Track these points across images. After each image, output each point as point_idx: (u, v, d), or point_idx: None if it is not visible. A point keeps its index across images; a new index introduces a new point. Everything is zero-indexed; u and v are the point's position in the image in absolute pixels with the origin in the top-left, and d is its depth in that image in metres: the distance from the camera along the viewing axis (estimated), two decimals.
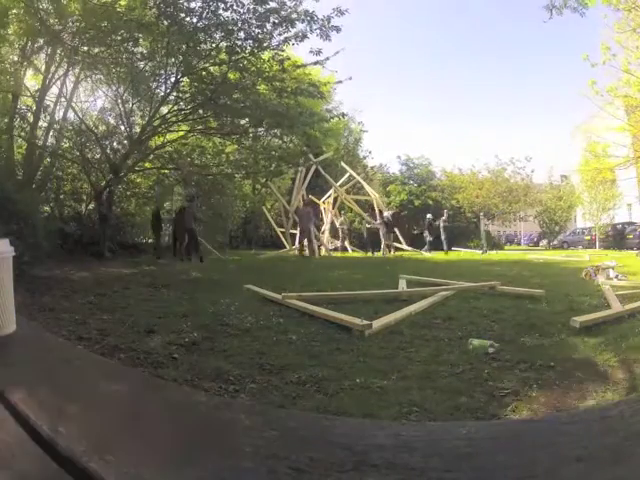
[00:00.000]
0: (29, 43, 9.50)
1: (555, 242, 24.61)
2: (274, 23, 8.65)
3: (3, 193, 4.84)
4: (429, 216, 16.12)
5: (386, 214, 14.70)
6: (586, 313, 3.60)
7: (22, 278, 4.58)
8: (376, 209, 15.68)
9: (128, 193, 12.32)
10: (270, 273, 7.54)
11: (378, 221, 14.33)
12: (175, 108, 10.18)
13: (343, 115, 13.28)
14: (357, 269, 8.35)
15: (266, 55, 9.28)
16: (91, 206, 11.18)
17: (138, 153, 10.42)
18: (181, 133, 11.09)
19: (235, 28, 8.72)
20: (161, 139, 11.09)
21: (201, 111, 10.19)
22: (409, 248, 15.34)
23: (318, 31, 8.63)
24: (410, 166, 24.28)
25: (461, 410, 1.94)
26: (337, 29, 8.62)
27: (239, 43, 9.00)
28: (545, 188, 25.62)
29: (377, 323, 3.30)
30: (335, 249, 15.37)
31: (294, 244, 13.95)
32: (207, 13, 8.68)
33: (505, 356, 2.65)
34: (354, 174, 16.76)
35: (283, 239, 15.46)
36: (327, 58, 9.45)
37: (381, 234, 14.14)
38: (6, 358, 0.65)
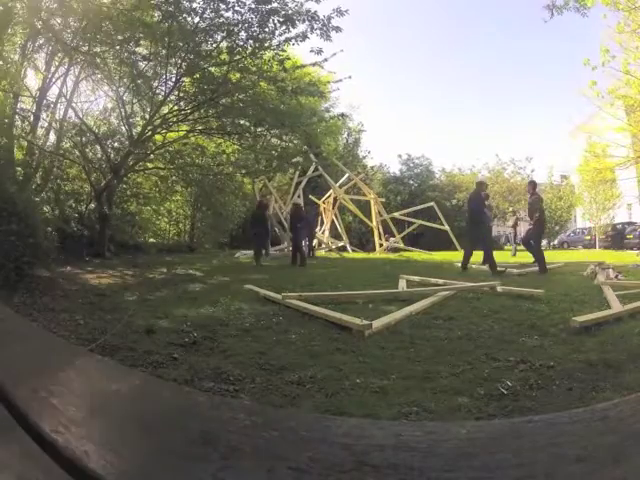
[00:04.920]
0: (29, 42, 9.50)
1: (555, 242, 24.66)
2: (275, 23, 8.66)
3: (3, 193, 4.84)
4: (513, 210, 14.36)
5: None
6: (586, 313, 3.59)
7: (22, 278, 4.58)
8: (373, 208, 15.67)
9: (129, 193, 12.33)
10: (270, 273, 7.54)
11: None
12: (176, 108, 10.19)
13: (343, 115, 13.31)
14: (357, 269, 8.36)
15: (267, 55, 9.29)
16: (91, 206, 11.18)
17: (139, 153, 10.43)
18: (182, 133, 11.10)
19: (236, 28, 8.73)
20: (162, 139, 11.10)
21: (202, 111, 10.19)
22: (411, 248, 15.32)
23: (319, 31, 8.64)
24: (410, 166, 24.32)
25: (461, 410, 1.94)
26: (337, 29, 8.62)
27: (240, 43, 9.01)
28: (545, 188, 25.64)
29: (377, 323, 3.30)
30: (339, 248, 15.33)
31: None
32: (208, 13, 8.69)
33: (505, 356, 2.65)
34: (352, 174, 16.78)
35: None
36: (326, 59, 9.47)
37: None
38: (5, 357, 0.65)
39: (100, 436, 0.51)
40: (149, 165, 11.47)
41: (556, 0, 6.87)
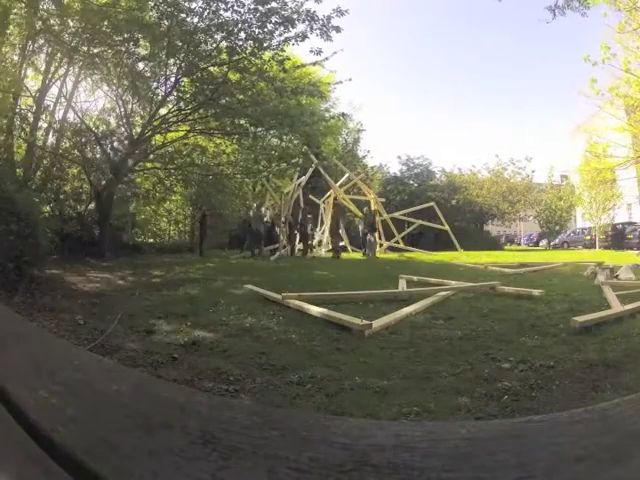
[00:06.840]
0: (29, 43, 9.50)
1: (556, 242, 24.67)
2: (275, 23, 8.66)
3: (3, 193, 4.84)
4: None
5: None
6: (586, 313, 3.59)
7: (22, 278, 4.58)
8: (373, 208, 15.65)
9: (128, 193, 12.33)
10: (270, 273, 7.53)
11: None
12: (175, 108, 10.18)
13: (343, 115, 13.29)
14: (357, 269, 8.35)
15: (266, 55, 9.30)
16: (91, 206, 11.18)
17: (138, 153, 10.43)
18: (181, 133, 11.10)
19: (236, 28, 8.74)
20: (161, 139, 11.10)
21: (201, 111, 10.20)
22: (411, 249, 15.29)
23: (318, 31, 8.64)
24: (410, 166, 24.29)
25: (461, 410, 1.94)
26: (337, 29, 8.62)
27: (239, 43, 9.01)
28: (545, 188, 25.64)
29: (377, 323, 3.30)
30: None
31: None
32: (208, 13, 8.70)
33: (505, 356, 2.65)
34: (351, 174, 16.76)
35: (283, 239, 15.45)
36: (326, 58, 9.49)
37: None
38: (5, 357, 0.65)
39: (100, 436, 0.51)
40: (149, 165, 11.47)
41: (558, 0, 6.80)
